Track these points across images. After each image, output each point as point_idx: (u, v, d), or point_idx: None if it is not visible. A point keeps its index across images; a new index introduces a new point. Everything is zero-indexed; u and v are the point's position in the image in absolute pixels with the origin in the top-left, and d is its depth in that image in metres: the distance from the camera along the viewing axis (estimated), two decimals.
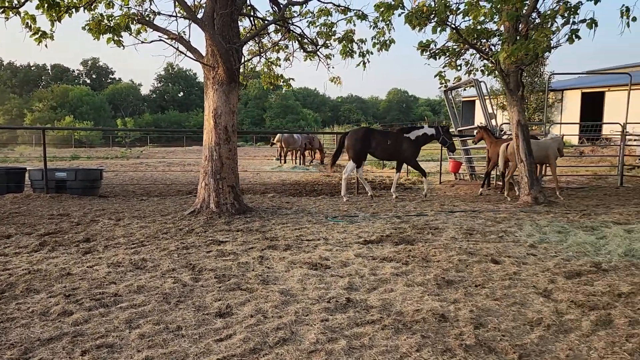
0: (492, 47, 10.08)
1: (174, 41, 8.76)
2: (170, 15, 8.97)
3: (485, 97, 14.05)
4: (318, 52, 11.11)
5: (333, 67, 11.58)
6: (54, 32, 8.67)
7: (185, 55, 8.99)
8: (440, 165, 15.21)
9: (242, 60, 9.27)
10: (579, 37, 8.76)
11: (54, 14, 8.29)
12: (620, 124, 14.50)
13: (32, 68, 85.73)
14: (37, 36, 8.58)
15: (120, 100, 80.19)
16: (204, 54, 8.83)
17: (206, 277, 5.23)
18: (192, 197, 11.15)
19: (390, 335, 3.84)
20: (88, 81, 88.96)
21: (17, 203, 10.29)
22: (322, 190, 12.88)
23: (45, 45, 8.78)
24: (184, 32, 9.55)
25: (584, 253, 6.34)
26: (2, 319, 4.07)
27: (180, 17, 8.95)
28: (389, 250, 6.42)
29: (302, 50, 11.18)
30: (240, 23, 10.93)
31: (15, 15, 8.44)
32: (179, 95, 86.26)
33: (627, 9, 8.91)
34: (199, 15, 8.70)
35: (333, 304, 4.47)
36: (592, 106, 26.96)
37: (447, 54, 10.82)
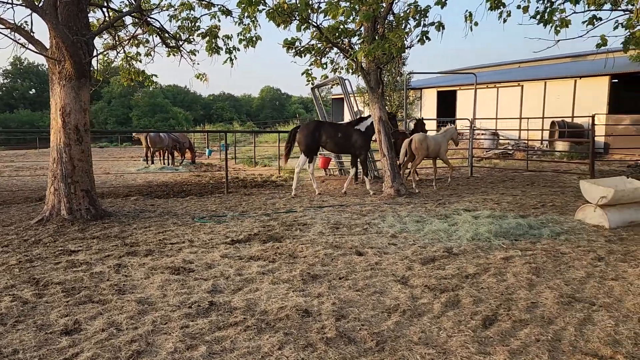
0: (353, 46, 10.47)
1: (11, 31, 7.82)
2: (6, 2, 8.00)
3: (351, 95, 14.56)
4: (181, 48, 10.69)
5: (198, 64, 11.17)
6: None
7: (26, 47, 8.08)
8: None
9: (95, 54, 8.58)
10: (429, 39, 9.43)
11: None
12: (469, 120, 15.93)
13: None
14: None
15: None
16: (48, 47, 8.02)
17: (52, 291, 4.74)
18: (42, 204, 10.11)
19: (253, 335, 3.77)
20: None
21: None
22: (191, 190, 12.44)
23: None
24: (25, 22, 8.63)
25: (438, 239, 6.82)
26: None
27: (18, 5, 8.02)
28: (256, 248, 6.36)
29: (164, 46, 10.67)
30: (92, 14, 10.14)
31: None
32: (31, 92, 78.08)
33: (470, 14, 9.77)
34: (40, 4, 7.86)
35: (195, 309, 4.29)
36: (447, 103, 29.37)
37: (313, 52, 11.03)
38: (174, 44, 10.60)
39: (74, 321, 4.02)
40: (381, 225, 7.73)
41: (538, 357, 3.43)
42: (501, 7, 10.33)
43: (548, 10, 10.32)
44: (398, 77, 29.32)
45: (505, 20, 10.52)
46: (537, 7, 10.61)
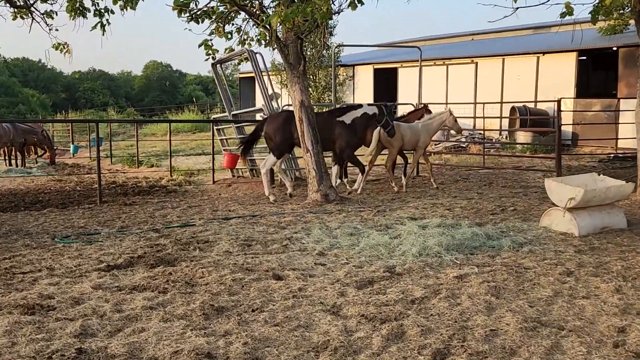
0: (266, 10, 10.50)
1: None
2: None
3: (264, 73, 14.58)
4: (32, 8, 10.29)
5: (57, 30, 10.75)
6: None
7: None
8: (212, 160, 15.33)
9: None
10: (362, 2, 9.61)
11: None
12: (413, 105, 16.43)
13: None
14: None
15: None
16: None
17: None
18: None
19: None
20: None
21: None
22: (50, 200, 11.96)
23: None
24: None
25: (378, 257, 6.99)
26: None
27: None
28: (141, 275, 6.23)
29: (8, 5, 10.22)
30: None
31: None
32: None
33: None
34: None
35: (57, 359, 4.12)
36: (386, 83, 30.11)
37: (214, 17, 10.94)
38: (22, 3, 10.18)
39: None
40: (305, 241, 7.80)
41: None
42: None
43: None
44: (324, 51, 29.69)
45: None
46: None
